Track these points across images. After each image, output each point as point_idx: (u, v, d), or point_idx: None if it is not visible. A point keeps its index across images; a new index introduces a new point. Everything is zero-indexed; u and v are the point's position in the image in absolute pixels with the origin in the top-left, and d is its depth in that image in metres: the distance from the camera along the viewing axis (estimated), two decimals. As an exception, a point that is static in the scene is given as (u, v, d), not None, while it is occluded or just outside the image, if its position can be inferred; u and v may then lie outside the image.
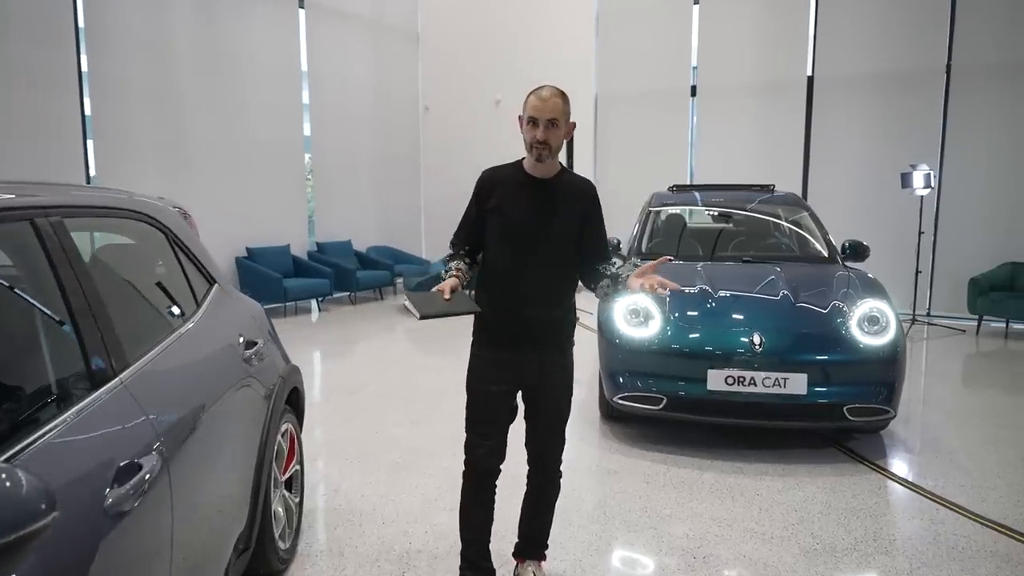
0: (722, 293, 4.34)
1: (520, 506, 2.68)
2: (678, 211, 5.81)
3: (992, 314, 7.64)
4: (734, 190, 5.98)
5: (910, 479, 3.74)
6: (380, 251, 10.94)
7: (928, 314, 8.45)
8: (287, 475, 2.88)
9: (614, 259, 2.52)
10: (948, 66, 8.47)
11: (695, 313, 4.21)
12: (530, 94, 2.37)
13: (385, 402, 5.15)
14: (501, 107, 11.29)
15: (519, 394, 2.52)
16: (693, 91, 10.12)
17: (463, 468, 2.55)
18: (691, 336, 4.08)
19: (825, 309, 4.14)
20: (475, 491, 2.51)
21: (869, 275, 4.59)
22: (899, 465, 3.94)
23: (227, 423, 2.19)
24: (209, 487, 1.99)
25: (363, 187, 11.18)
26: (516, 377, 2.46)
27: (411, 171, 12.24)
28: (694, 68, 10.10)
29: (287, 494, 2.88)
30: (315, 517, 3.29)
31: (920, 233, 7.89)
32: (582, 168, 9.76)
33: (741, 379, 3.87)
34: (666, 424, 4.35)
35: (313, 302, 9.51)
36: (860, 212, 8.77)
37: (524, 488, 2.65)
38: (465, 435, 2.53)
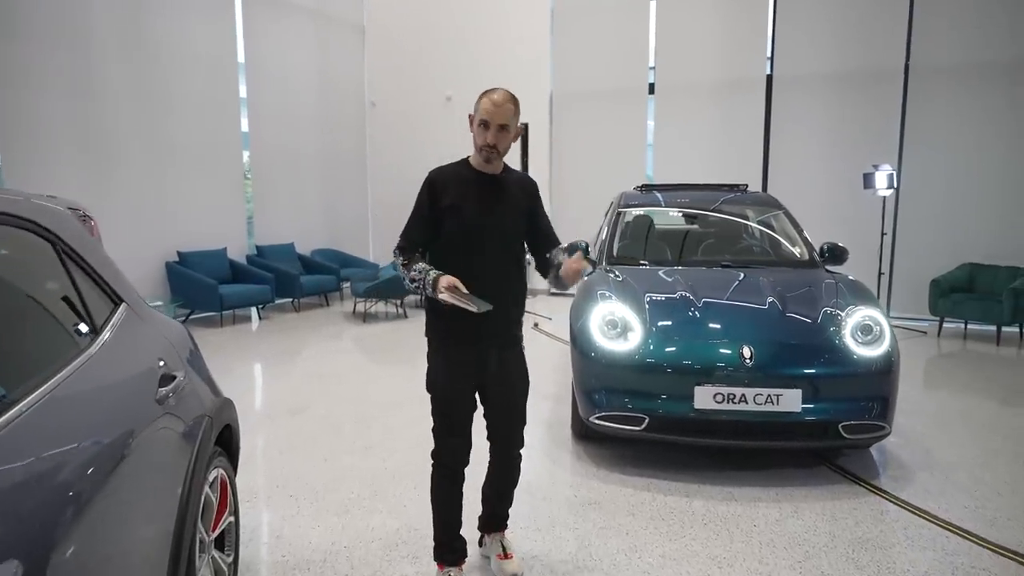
0: (705, 302, 4.00)
1: (481, 487, 2.81)
2: (648, 212, 5.48)
3: (953, 316, 7.59)
4: (705, 190, 5.69)
5: (911, 501, 3.47)
6: (325, 254, 10.34)
7: (888, 316, 8.37)
8: (218, 531, 2.38)
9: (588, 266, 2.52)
10: (906, 66, 8.43)
11: (678, 324, 3.87)
12: (483, 96, 2.44)
13: (333, 423, 4.65)
14: (452, 104, 10.83)
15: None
16: (651, 89, 9.87)
17: (432, 462, 2.64)
18: (676, 349, 3.73)
19: (816, 318, 3.85)
20: (448, 484, 2.64)
21: (855, 279, 4.33)
22: (895, 485, 3.67)
23: (131, 484, 1.69)
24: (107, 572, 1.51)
25: (306, 186, 10.55)
26: (478, 372, 2.56)
27: (358, 170, 11.65)
28: (652, 68, 9.85)
29: (218, 555, 2.38)
30: (255, 573, 2.79)
31: (883, 234, 7.80)
32: (537, 167, 9.40)
33: (731, 396, 3.54)
34: (643, 444, 3.98)
35: (253, 310, 8.86)
36: (821, 213, 8.63)
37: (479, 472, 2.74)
38: (433, 434, 2.61)
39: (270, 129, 9.86)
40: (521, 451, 2.73)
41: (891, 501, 3.47)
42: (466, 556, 2.73)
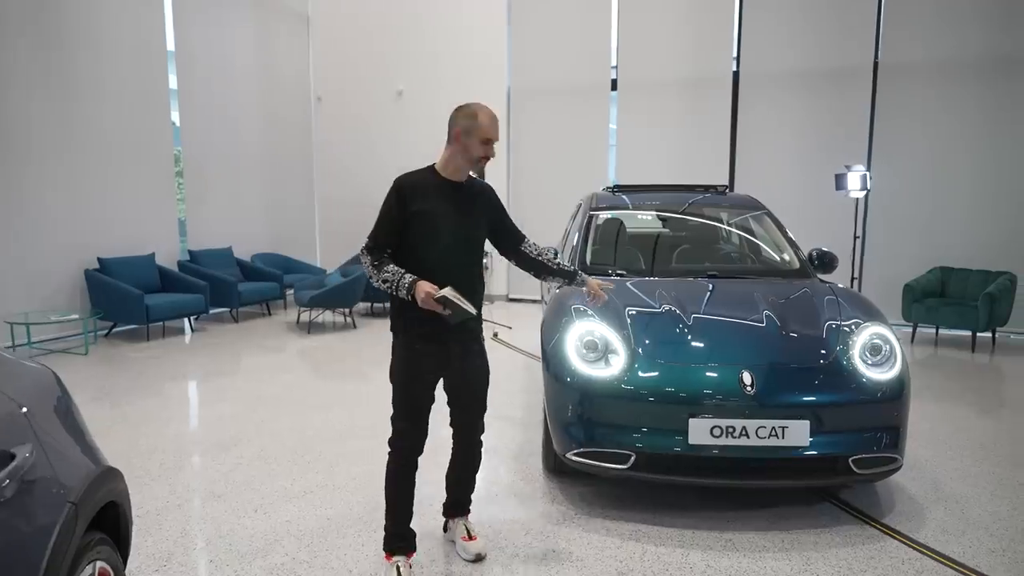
0: (696, 318, 3.53)
1: (445, 474, 2.98)
2: (622, 216, 5.00)
3: (926, 321, 7.36)
4: (683, 191, 5.24)
5: (932, 546, 3.05)
6: (267, 259, 9.59)
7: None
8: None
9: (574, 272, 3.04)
10: (875, 64, 8.19)
11: (668, 346, 3.38)
12: (479, 113, 2.62)
13: (269, 460, 4.02)
14: (404, 98, 10.22)
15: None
16: (614, 85, 9.44)
17: (389, 451, 2.75)
18: (666, 376, 3.24)
19: (820, 337, 3.41)
20: (403, 471, 2.75)
21: (853, 290, 3.93)
22: (910, 524, 3.26)
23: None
24: None
25: (246, 186, 9.78)
26: (442, 367, 2.73)
27: (303, 168, 10.91)
28: (614, 67, 9.42)
29: None
30: None
31: (855, 237, 7.53)
32: (495, 167, 8.85)
33: (730, 429, 3.07)
34: (628, 480, 3.49)
35: (185, 321, 8.09)
36: (791, 216, 8.22)
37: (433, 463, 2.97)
38: (392, 422, 2.73)
39: (205, 123, 9.07)
40: (482, 437, 2.92)
41: (911, 546, 3.06)
42: (414, 549, 2.80)
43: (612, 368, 3.28)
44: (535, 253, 2.96)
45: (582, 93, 9.54)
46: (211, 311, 8.28)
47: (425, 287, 2.47)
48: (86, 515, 1.71)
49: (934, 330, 7.56)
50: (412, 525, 2.79)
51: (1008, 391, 5.98)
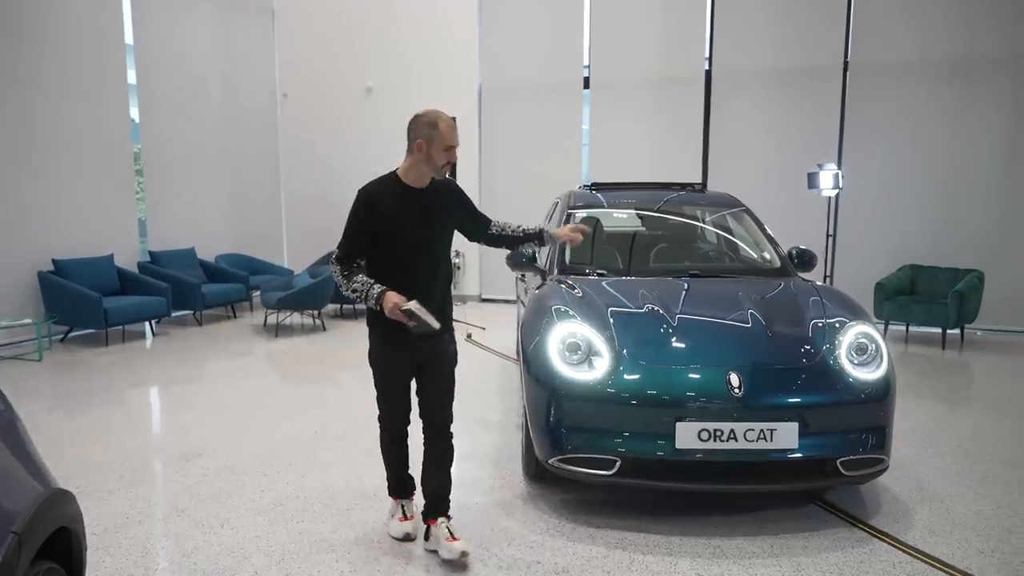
0: (680, 319, 3.45)
1: (420, 473, 3.01)
2: (601, 214, 4.91)
3: (897, 319, 7.42)
4: (661, 188, 5.16)
5: (922, 548, 3.01)
6: (232, 260, 9.31)
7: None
8: None
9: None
10: (845, 64, 8.25)
11: (653, 347, 3.29)
12: (439, 122, 2.70)
13: (235, 471, 3.83)
14: (373, 95, 10.03)
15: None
16: (586, 83, 9.37)
17: (379, 426, 3.00)
18: (652, 378, 3.14)
19: (807, 336, 3.35)
20: (395, 444, 3.02)
21: (835, 288, 3.88)
22: (898, 526, 3.21)
23: None
24: None
25: (210, 184, 9.48)
26: (414, 358, 2.86)
27: (269, 166, 10.62)
28: (587, 66, 9.35)
29: None
30: None
31: (828, 236, 7.56)
32: (466, 163, 8.69)
33: (718, 433, 2.99)
34: (608, 485, 3.39)
35: (147, 325, 7.78)
36: (763, 213, 8.26)
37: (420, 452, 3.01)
38: (377, 402, 2.97)
39: (166, 120, 8.76)
40: (452, 427, 2.99)
41: (900, 548, 3.01)
42: (415, 489, 3.10)
43: (596, 371, 3.17)
44: (499, 231, 3.07)
45: (555, 91, 9.45)
46: (174, 314, 8.01)
47: (392, 298, 2.57)
48: (32, 544, 1.53)
49: (904, 327, 7.62)
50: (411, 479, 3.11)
51: (981, 388, 6.05)
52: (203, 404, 5.14)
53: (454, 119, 2.81)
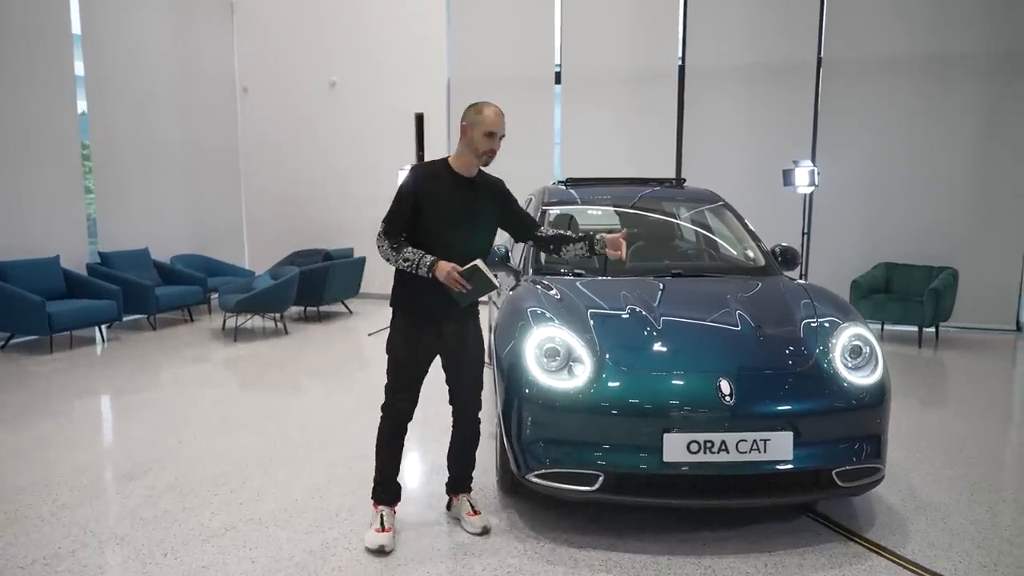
0: (665, 321, 3.23)
1: (447, 451, 3.15)
2: (577, 211, 4.68)
3: (873, 317, 7.33)
4: (639, 184, 4.95)
5: (922, 563, 2.83)
6: (189, 261, 8.88)
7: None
8: None
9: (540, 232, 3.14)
10: (819, 60, 8.16)
11: (638, 353, 3.07)
12: (482, 108, 2.84)
13: (184, 492, 3.51)
14: (337, 90, 9.67)
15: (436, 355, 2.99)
16: (558, 79, 9.15)
17: (381, 414, 2.98)
18: (638, 387, 2.92)
19: (799, 339, 3.16)
20: (393, 435, 2.99)
21: (826, 288, 3.70)
22: (895, 539, 3.04)
23: None
24: None
25: (165, 181, 9.04)
26: (440, 344, 2.93)
27: (228, 163, 10.20)
28: (558, 62, 9.12)
29: None
30: None
31: (804, 234, 7.45)
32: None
33: (708, 444, 2.78)
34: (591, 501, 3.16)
35: (96, 330, 7.35)
36: (739, 210, 8.25)
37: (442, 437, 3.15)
38: (385, 390, 2.97)
39: (116, 113, 8.32)
40: (479, 414, 3.08)
41: (899, 564, 2.83)
42: (399, 499, 3.05)
43: (576, 378, 2.94)
44: (547, 232, 3.13)
45: (526, 86, 9.20)
46: (126, 318, 7.58)
47: (446, 266, 2.67)
48: None
49: (880, 326, 7.55)
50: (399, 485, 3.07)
51: (961, 388, 5.97)
52: (153, 416, 4.78)
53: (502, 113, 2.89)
